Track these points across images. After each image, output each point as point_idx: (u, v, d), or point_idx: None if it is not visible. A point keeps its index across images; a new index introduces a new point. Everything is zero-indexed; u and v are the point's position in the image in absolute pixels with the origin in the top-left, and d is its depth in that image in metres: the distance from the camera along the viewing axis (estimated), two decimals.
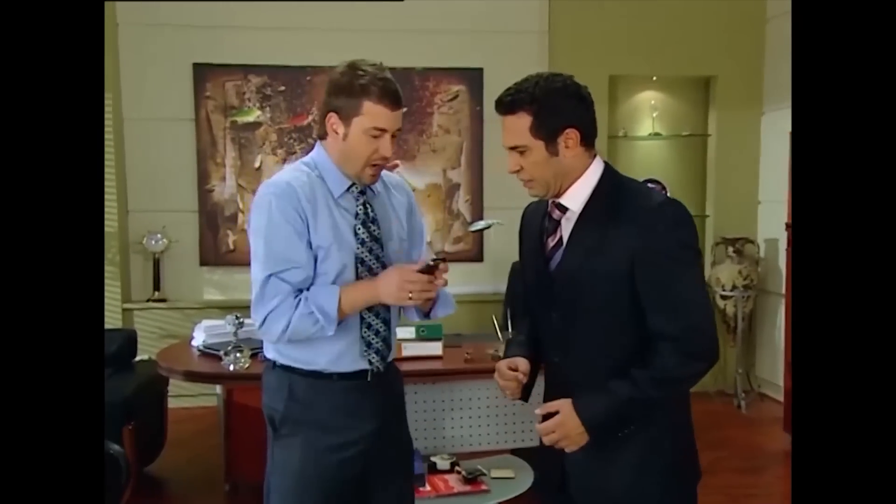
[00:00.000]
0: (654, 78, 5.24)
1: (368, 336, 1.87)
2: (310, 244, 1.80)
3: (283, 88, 4.88)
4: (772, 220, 5.00)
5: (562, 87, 1.64)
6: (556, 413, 1.64)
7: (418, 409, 3.02)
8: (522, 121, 1.63)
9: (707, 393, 4.89)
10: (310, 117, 4.91)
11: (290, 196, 1.79)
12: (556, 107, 1.62)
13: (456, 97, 5.02)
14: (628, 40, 5.03)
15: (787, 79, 4.92)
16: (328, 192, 1.83)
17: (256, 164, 4.91)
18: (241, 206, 4.91)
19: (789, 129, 4.78)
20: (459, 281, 4.95)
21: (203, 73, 4.82)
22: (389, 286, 1.77)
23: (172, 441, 3.96)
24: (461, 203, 5.10)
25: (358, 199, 1.88)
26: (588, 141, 1.67)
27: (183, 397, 4.56)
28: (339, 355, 1.84)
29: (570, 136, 1.64)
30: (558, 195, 1.69)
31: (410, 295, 1.77)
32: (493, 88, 5.11)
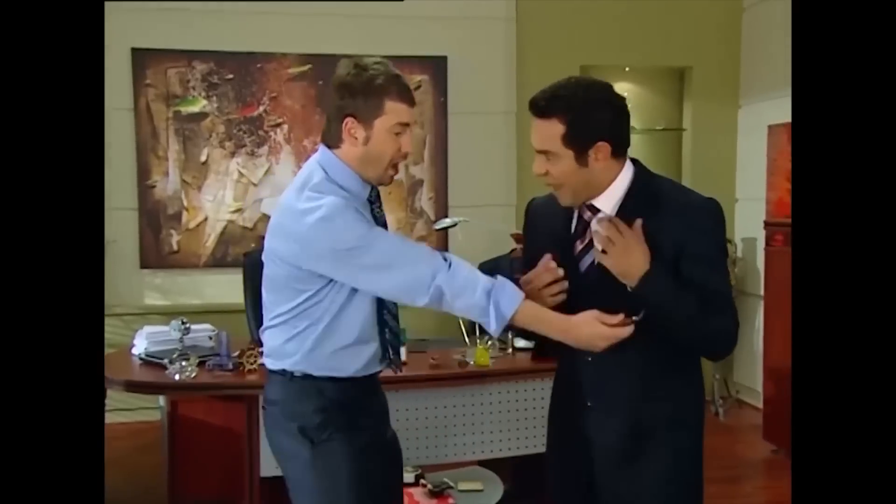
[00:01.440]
0: (627, 69, 5.31)
1: (390, 337, 1.93)
2: None
3: (231, 76, 4.81)
4: (749, 219, 5.10)
5: (599, 98, 1.69)
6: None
7: None
8: (555, 128, 1.67)
9: None
10: (261, 108, 4.85)
11: (348, 206, 1.78)
12: (592, 119, 1.67)
13: (418, 87, 5.00)
14: (600, 29, 5.08)
15: (765, 70, 5.04)
16: (357, 206, 1.84)
17: (202, 158, 4.83)
18: (185, 203, 4.83)
19: (767, 122, 4.91)
20: None
21: (143, 58, 4.73)
22: (593, 336, 1.70)
23: (109, 459, 3.84)
24: (424, 201, 5.09)
25: (374, 204, 1.92)
26: (619, 151, 1.73)
27: (120, 411, 4.46)
28: (368, 361, 1.90)
29: (601, 150, 1.69)
30: (587, 199, 1.75)
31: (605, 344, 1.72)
32: (458, 78, 5.17)
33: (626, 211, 1.72)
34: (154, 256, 4.83)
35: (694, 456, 1.80)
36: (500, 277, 1.78)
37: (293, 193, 1.84)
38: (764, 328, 4.56)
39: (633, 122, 5.31)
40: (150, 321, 4.22)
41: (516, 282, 1.79)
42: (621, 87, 5.35)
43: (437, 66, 5.01)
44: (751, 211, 5.07)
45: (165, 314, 4.34)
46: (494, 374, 3.10)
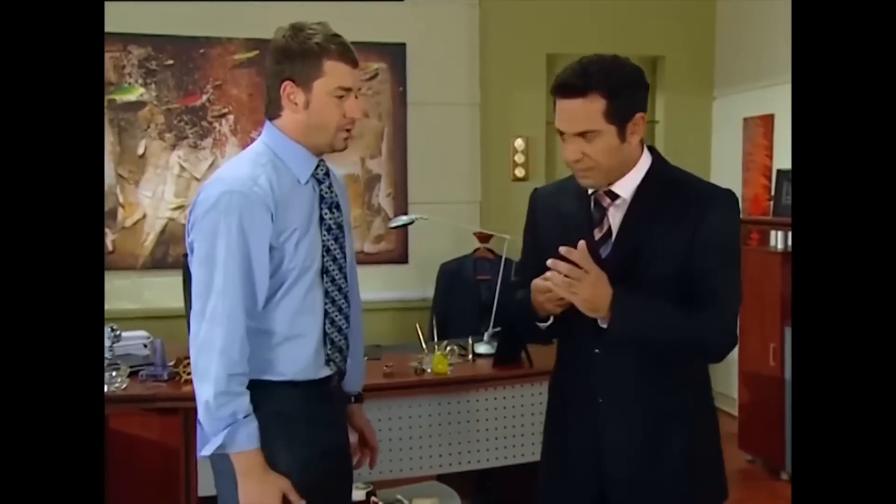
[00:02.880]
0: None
1: (332, 334, 1.90)
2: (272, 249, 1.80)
3: (171, 62, 4.71)
4: None
5: (632, 71, 1.76)
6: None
7: None
8: (596, 104, 1.70)
9: None
10: (204, 97, 4.76)
11: (258, 197, 1.76)
12: (629, 90, 1.73)
13: (375, 76, 4.96)
14: (567, 16, 5.08)
15: (740, 60, 5.08)
16: (294, 179, 1.85)
17: (140, 151, 4.72)
18: (120, 199, 4.71)
19: (743, 114, 4.96)
20: (381, 285, 4.92)
21: None
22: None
23: None
24: (382, 197, 5.04)
25: (323, 182, 1.90)
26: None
27: None
28: (307, 362, 1.86)
29: (639, 122, 1.75)
30: (611, 183, 1.79)
31: None
32: (418, 66, 5.13)
33: (643, 197, 1.78)
34: None
35: (714, 439, 1.87)
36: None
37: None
38: (739, 332, 4.59)
39: None
40: None
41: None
42: None
43: (395, 54, 4.96)
44: None
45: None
46: (453, 382, 3.06)
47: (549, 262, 1.69)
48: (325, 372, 1.90)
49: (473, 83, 5.05)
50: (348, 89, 1.83)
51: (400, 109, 5.02)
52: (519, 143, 5.20)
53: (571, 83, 1.72)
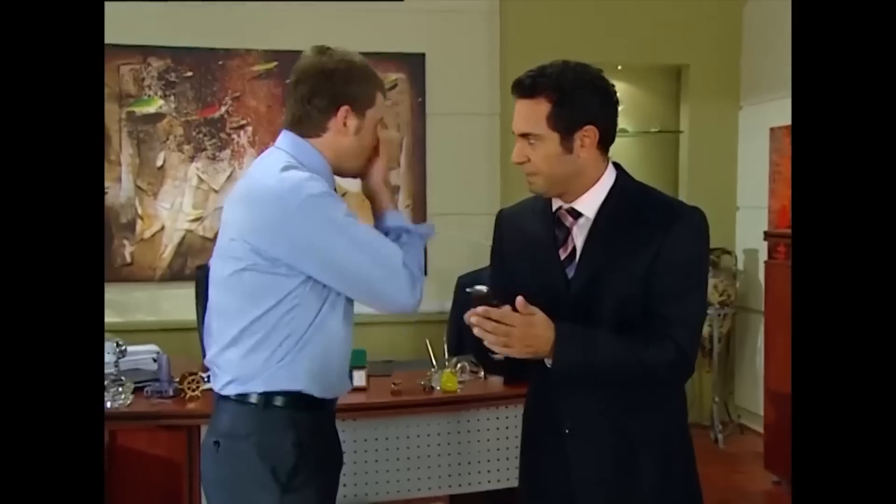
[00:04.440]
0: (619, 67, 5.22)
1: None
2: None
3: (190, 74, 4.71)
4: (751, 228, 4.99)
5: (590, 80, 1.69)
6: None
7: None
8: (540, 107, 1.65)
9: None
10: (222, 108, 4.75)
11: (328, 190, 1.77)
12: (580, 100, 1.66)
13: (394, 87, 4.91)
14: (589, 24, 4.99)
15: (767, 68, 4.94)
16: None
17: (158, 163, 4.72)
18: (139, 211, 4.71)
19: (770, 124, 4.82)
20: None
21: None
22: None
23: None
24: (401, 209, 4.98)
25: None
26: (605, 144, 1.73)
27: None
28: (337, 377, 1.86)
29: (588, 135, 1.68)
30: (563, 196, 1.73)
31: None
32: (437, 76, 5.08)
33: (607, 215, 1.72)
34: (105, 269, 4.71)
35: (689, 465, 1.78)
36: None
37: (261, 179, 1.78)
38: (764, 347, 4.46)
39: (626, 125, 5.24)
40: None
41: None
42: None
43: (414, 64, 4.92)
44: (753, 220, 4.97)
45: (117, 332, 4.21)
46: (463, 400, 2.98)
47: (472, 318, 1.61)
48: (349, 385, 2.01)
49: (494, 93, 4.98)
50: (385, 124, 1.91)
51: (419, 120, 4.96)
52: None
53: (522, 82, 1.68)
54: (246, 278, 1.73)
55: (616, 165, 1.78)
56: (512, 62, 4.96)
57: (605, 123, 1.70)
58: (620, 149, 5.34)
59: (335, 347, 1.81)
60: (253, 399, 1.76)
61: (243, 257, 1.73)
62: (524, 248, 1.80)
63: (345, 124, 1.81)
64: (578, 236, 1.73)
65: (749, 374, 5.05)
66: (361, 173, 1.90)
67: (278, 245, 1.70)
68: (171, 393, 2.88)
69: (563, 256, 1.74)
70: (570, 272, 1.72)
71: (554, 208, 1.77)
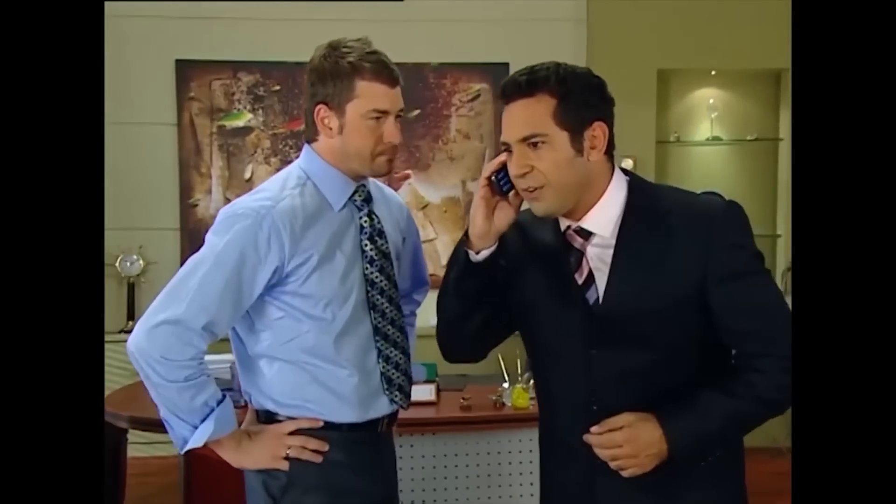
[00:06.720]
0: (713, 72, 5.04)
1: (388, 371, 1.79)
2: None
3: (277, 88, 4.82)
4: None
5: (587, 77, 1.53)
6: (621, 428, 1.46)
7: (404, 467, 2.84)
8: (542, 104, 1.47)
9: (770, 449, 4.53)
10: None
11: (265, 223, 1.68)
12: (585, 94, 1.50)
13: (477, 97, 4.89)
14: (681, 28, 4.81)
15: None
16: (324, 205, 1.73)
17: (247, 175, 4.83)
18: None
19: None
20: None
21: (186, 70, 4.78)
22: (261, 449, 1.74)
23: (132, 499, 3.86)
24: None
25: (362, 209, 1.79)
26: (610, 150, 1.54)
27: (154, 444, 4.45)
28: (363, 401, 1.75)
29: (597, 134, 1.50)
30: (570, 214, 1.53)
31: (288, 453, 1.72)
32: None
33: (629, 230, 1.51)
34: None
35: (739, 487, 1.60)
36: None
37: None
38: None
39: (720, 132, 5.03)
40: None
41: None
42: (706, 93, 5.08)
43: (498, 74, 4.84)
44: None
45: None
46: (533, 417, 2.87)
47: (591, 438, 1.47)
48: (372, 415, 1.78)
49: None
50: (384, 112, 1.71)
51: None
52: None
53: (515, 82, 1.49)
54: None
55: (624, 171, 1.58)
56: (598, 69, 4.79)
57: (611, 123, 1.53)
58: (715, 157, 5.17)
59: (350, 365, 1.75)
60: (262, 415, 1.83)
61: None
62: (533, 267, 1.59)
63: (325, 125, 1.72)
64: (595, 257, 1.53)
65: None
66: (376, 172, 1.78)
67: None
68: (242, 403, 2.89)
69: (580, 282, 1.53)
70: (592, 297, 1.52)
71: (562, 227, 1.57)
